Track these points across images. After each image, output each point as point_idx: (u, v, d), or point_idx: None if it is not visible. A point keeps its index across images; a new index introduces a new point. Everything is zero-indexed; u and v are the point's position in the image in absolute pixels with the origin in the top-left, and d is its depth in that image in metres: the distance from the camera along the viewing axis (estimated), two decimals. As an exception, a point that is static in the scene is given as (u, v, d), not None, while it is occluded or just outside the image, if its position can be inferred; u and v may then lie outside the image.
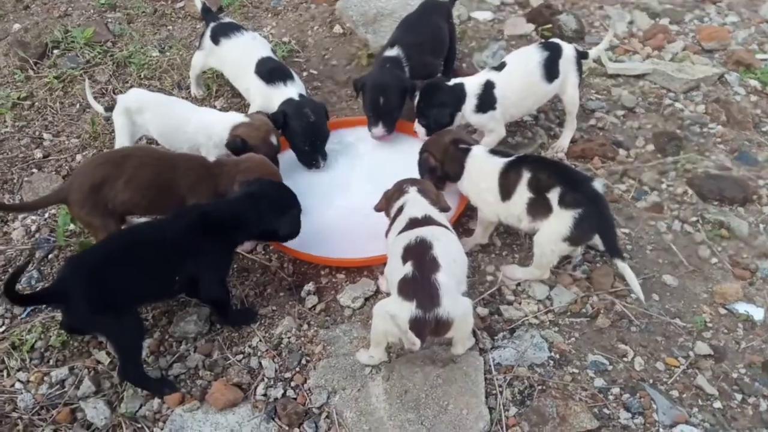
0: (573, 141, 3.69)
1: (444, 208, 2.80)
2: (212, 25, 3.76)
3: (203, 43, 3.80)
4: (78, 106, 4.00)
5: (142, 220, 3.15)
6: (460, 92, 3.33)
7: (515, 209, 2.81)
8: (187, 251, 2.56)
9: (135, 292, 2.49)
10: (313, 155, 3.44)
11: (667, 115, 3.93)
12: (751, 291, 2.94)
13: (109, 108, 3.42)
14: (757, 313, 2.84)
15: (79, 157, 3.64)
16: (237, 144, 3.15)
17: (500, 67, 3.44)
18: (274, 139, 3.23)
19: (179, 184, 2.88)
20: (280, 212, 2.80)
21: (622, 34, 4.69)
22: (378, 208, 2.90)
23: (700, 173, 3.50)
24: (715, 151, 3.67)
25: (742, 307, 2.85)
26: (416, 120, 3.43)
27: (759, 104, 4.06)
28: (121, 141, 3.37)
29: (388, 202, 2.85)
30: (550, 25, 4.59)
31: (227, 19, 3.89)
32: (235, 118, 3.29)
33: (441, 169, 3.02)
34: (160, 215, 2.96)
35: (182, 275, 2.56)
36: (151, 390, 2.54)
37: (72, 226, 3.15)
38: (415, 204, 2.70)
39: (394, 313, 2.21)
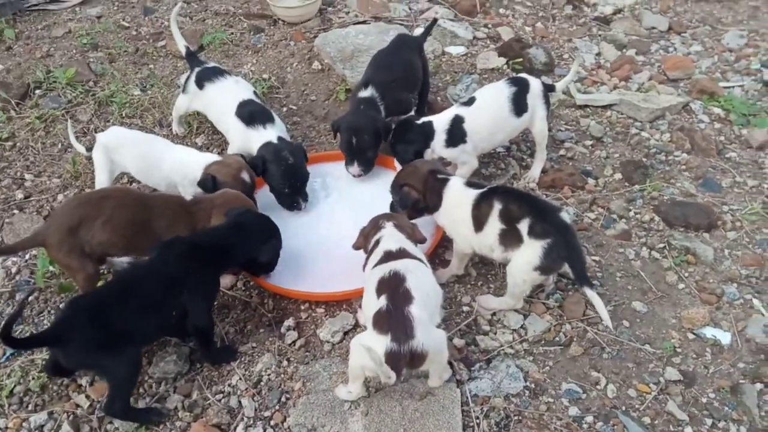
0: (544, 171, 3.80)
1: (419, 240, 2.88)
2: (197, 70, 3.86)
3: (188, 87, 3.89)
4: (60, 146, 4.06)
5: (123, 260, 3.19)
6: (428, 130, 3.46)
7: (488, 240, 2.89)
8: (181, 282, 2.63)
9: (132, 331, 2.54)
10: (293, 197, 3.51)
11: (633, 144, 4.07)
12: (718, 315, 3.04)
13: (91, 148, 3.48)
14: (724, 338, 2.93)
15: (60, 197, 3.68)
16: (208, 182, 3.21)
17: (470, 102, 3.57)
18: (246, 176, 3.30)
19: (157, 223, 2.93)
20: (263, 240, 2.91)
21: (590, 65, 4.86)
22: (356, 246, 2.96)
23: (666, 200, 3.62)
24: (681, 179, 3.80)
25: (709, 332, 2.94)
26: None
27: (722, 131, 4.21)
28: (101, 178, 3.43)
29: (365, 238, 2.92)
30: (520, 59, 4.74)
31: (211, 64, 3.99)
32: (209, 157, 3.38)
33: (423, 201, 3.08)
34: (138, 255, 3.02)
35: (178, 308, 2.62)
36: (141, 421, 2.58)
37: (52, 268, 3.18)
38: (390, 238, 2.78)
39: (369, 347, 2.27)
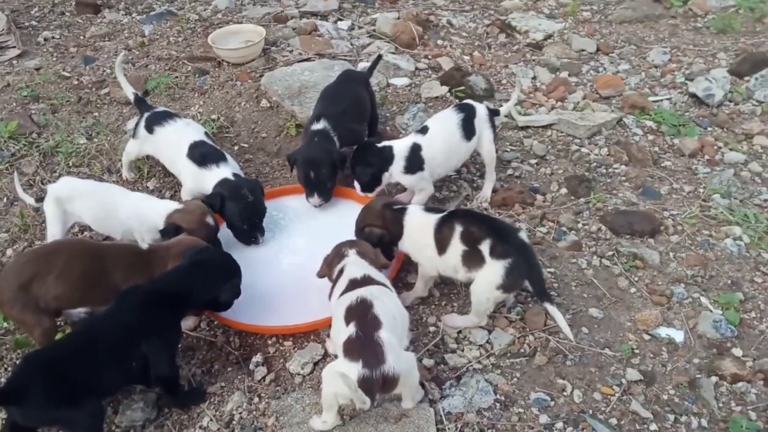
0: (494, 191, 3.94)
1: (383, 266, 2.94)
2: (146, 114, 3.86)
3: (138, 132, 3.88)
4: (5, 200, 3.95)
5: (80, 310, 3.12)
6: (388, 154, 3.56)
7: (451, 261, 2.97)
8: (140, 332, 2.58)
9: (93, 383, 2.47)
10: (251, 232, 3.52)
11: (575, 159, 4.27)
12: (670, 315, 3.19)
13: (40, 199, 3.41)
14: (678, 335, 3.08)
15: (9, 251, 3.58)
16: (171, 231, 3.19)
17: (424, 130, 3.69)
18: (210, 221, 3.30)
19: (112, 274, 2.88)
20: (223, 279, 2.87)
21: (527, 89, 5.09)
22: (321, 275, 3.00)
23: (611, 210, 3.80)
24: (622, 189, 4.00)
25: (663, 332, 3.09)
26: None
27: (656, 142, 4.47)
28: (53, 230, 3.36)
29: (329, 266, 2.96)
30: (462, 87, 4.93)
31: (161, 108, 3.99)
32: (169, 205, 3.35)
33: (388, 235, 3.13)
34: (95, 307, 2.96)
35: (138, 359, 2.56)
36: None
37: (6, 324, 3.07)
38: (354, 265, 2.83)
39: (342, 373, 2.29)
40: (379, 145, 3.63)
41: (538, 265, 2.96)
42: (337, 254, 2.96)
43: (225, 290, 2.87)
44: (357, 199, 3.73)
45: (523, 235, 2.96)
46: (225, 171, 3.58)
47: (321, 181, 3.68)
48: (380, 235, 3.12)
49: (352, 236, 3.22)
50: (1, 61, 5.39)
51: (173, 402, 2.77)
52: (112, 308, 2.66)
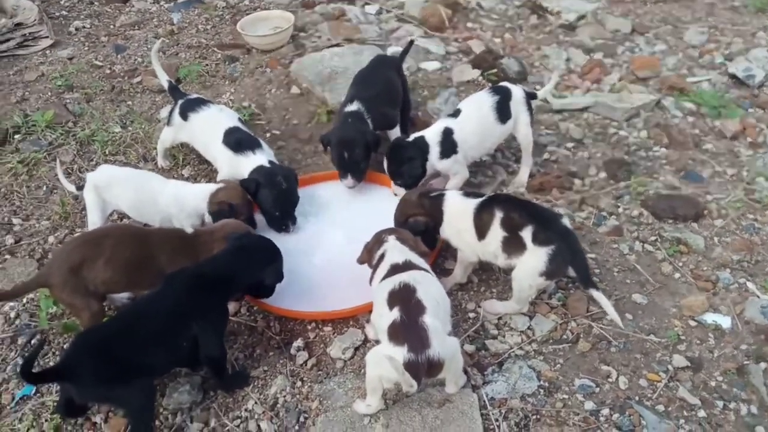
0: (531, 176, 3.88)
1: (423, 252, 2.92)
2: (180, 102, 3.87)
3: (172, 119, 3.89)
4: (45, 188, 4.00)
5: (123, 296, 3.16)
6: (422, 144, 3.51)
7: (491, 247, 2.94)
8: (190, 314, 2.61)
9: (142, 362, 2.51)
10: (283, 220, 3.53)
11: (613, 143, 4.19)
12: (716, 301, 3.12)
13: (80, 187, 3.45)
14: (725, 322, 3.02)
15: (51, 239, 3.62)
16: (224, 210, 3.23)
17: (456, 113, 3.64)
18: (248, 197, 3.37)
19: (158, 258, 2.91)
20: (266, 263, 2.90)
21: (558, 76, 4.98)
22: (361, 261, 2.99)
23: (652, 194, 3.73)
24: (663, 173, 3.92)
25: (709, 318, 3.03)
26: (392, 183, 3.58)
27: (696, 124, 4.37)
28: (93, 218, 3.39)
29: (369, 253, 2.95)
30: (494, 70, 4.86)
31: (194, 95, 4.00)
32: (206, 188, 3.39)
33: (432, 223, 3.09)
34: (141, 291, 3.00)
35: (188, 340, 2.60)
36: None
37: (53, 309, 3.13)
38: (395, 251, 2.81)
39: (390, 356, 2.28)
40: (410, 138, 3.58)
41: (582, 251, 2.92)
42: (377, 240, 2.95)
43: (268, 274, 2.89)
44: (389, 184, 3.69)
45: (566, 221, 2.92)
46: (261, 158, 3.58)
47: (355, 162, 3.66)
48: (426, 222, 3.08)
49: (387, 221, 3.20)
50: (35, 51, 5.43)
51: (219, 384, 2.79)
52: (160, 290, 2.69)
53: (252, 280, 2.86)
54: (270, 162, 3.57)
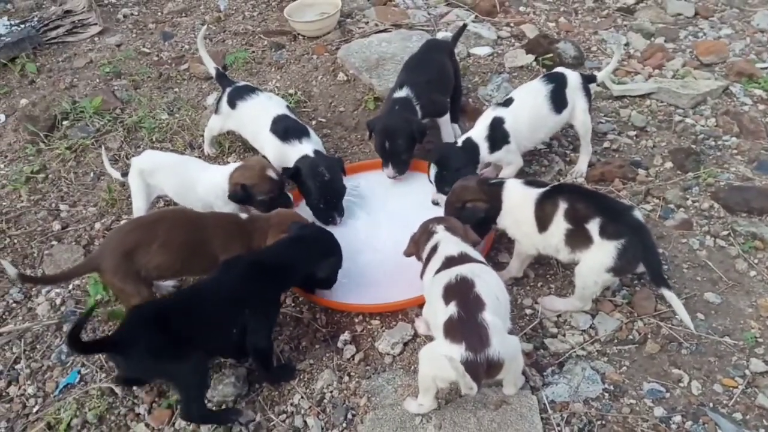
0: (590, 165, 3.68)
1: (474, 242, 2.76)
2: (228, 90, 3.79)
3: (220, 108, 3.82)
4: (92, 174, 3.99)
5: (169, 284, 3.11)
6: (471, 148, 3.33)
7: (553, 240, 2.76)
8: (244, 302, 2.55)
9: (196, 342, 2.45)
10: (329, 212, 3.41)
11: (679, 131, 3.93)
12: (796, 301, 2.88)
13: (126, 173, 3.41)
14: (806, 323, 2.78)
15: (98, 225, 3.60)
16: (238, 192, 3.13)
17: (507, 102, 3.45)
18: (272, 173, 3.22)
19: (212, 243, 2.85)
20: (325, 256, 2.81)
21: (620, 56, 4.73)
22: (408, 253, 2.85)
23: (723, 186, 3.47)
24: (734, 163, 3.66)
25: (790, 319, 2.79)
26: (434, 191, 3.38)
27: (767, 112, 4.07)
28: (138, 203, 3.35)
29: (417, 245, 2.80)
30: (550, 54, 4.63)
31: (242, 83, 3.92)
32: (230, 167, 3.29)
33: (491, 211, 2.91)
34: (194, 276, 2.96)
35: (239, 327, 2.53)
36: (221, 422, 2.54)
37: (101, 294, 3.09)
38: (449, 242, 2.65)
39: (450, 357, 2.12)
40: (458, 143, 3.40)
41: (655, 246, 2.70)
42: (425, 231, 2.79)
43: (325, 266, 2.80)
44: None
45: (638, 214, 2.69)
46: (307, 147, 3.47)
47: (396, 152, 3.53)
48: (486, 209, 2.89)
49: (437, 211, 3.06)
50: (84, 39, 5.46)
51: (264, 376, 2.71)
52: (217, 275, 2.64)
53: (309, 272, 2.77)
54: (316, 152, 3.46)
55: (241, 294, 2.55)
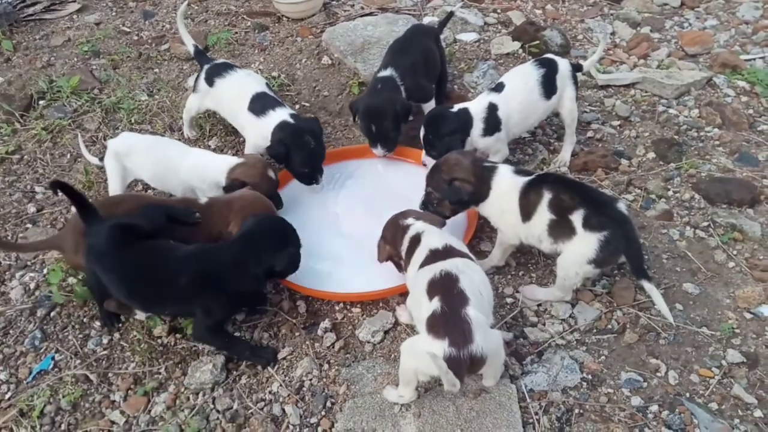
0: (574, 154, 3.67)
1: (440, 224, 2.75)
2: (206, 67, 3.70)
3: (198, 85, 3.73)
4: (69, 156, 3.90)
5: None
6: (466, 118, 3.28)
7: (535, 230, 2.74)
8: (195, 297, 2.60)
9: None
10: (312, 175, 3.41)
11: (663, 121, 3.94)
12: (773, 292, 2.91)
13: (103, 158, 3.34)
14: (783, 315, 2.80)
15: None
16: (236, 187, 3.08)
17: (499, 88, 3.41)
18: (272, 174, 3.19)
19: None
20: (278, 249, 2.70)
21: (605, 45, 4.72)
22: (383, 259, 2.81)
23: (705, 177, 3.49)
24: (716, 154, 3.67)
25: (766, 310, 2.81)
26: (423, 152, 3.36)
27: (750, 104, 4.08)
28: (114, 186, 3.29)
29: (392, 244, 2.73)
30: (536, 42, 4.60)
31: (221, 60, 3.83)
32: (229, 160, 3.23)
33: (474, 196, 2.86)
34: None
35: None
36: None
37: (70, 281, 3.05)
38: (432, 235, 2.61)
39: (434, 354, 2.09)
40: (454, 109, 3.35)
41: (638, 239, 2.69)
42: (398, 228, 2.72)
43: (280, 259, 2.69)
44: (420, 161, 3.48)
45: (622, 206, 2.66)
46: (282, 113, 3.41)
47: (383, 133, 3.50)
48: (469, 192, 2.82)
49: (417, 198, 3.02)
50: (62, 16, 5.31)
51: (245, 355, 2.72)
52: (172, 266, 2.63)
53: (265, 268, 2.69)
54: (292, 115, 3.41)
55: (190, 294, 2.58)
